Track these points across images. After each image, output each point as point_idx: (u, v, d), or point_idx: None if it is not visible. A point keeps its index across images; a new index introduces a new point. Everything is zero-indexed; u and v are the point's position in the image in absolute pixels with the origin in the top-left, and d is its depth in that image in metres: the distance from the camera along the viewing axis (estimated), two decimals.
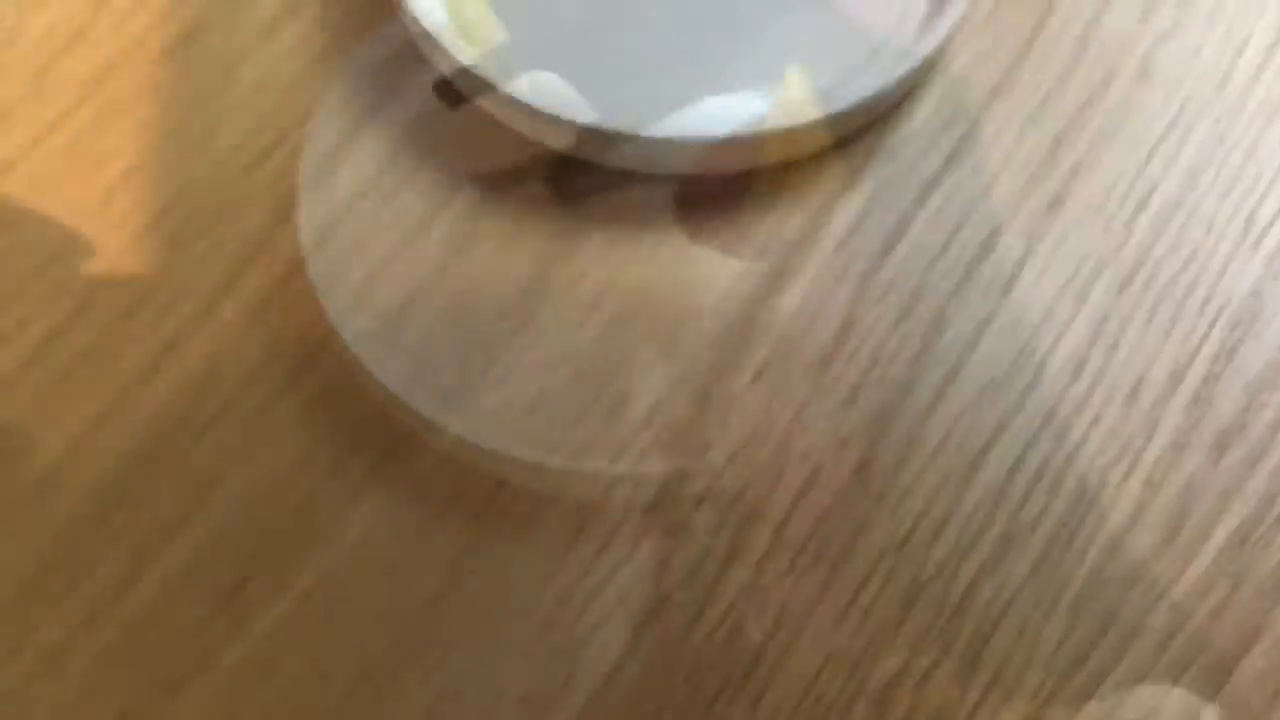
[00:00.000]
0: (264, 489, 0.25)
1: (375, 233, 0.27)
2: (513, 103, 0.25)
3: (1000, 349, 0.26)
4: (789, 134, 0.26)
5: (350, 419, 0.25)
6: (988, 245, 0.27)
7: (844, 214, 0.27)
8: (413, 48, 0.27)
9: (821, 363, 0.26)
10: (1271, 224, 0.27)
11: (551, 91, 0.26)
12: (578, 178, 0.27)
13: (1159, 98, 0.28)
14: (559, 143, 0.26)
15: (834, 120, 0.26)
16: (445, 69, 0.26)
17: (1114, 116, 0.28)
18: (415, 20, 0.26)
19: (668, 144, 0.25)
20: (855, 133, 0.27)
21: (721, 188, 0.27)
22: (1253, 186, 0.28)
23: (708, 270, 0.27)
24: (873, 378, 0.26)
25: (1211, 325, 0.27)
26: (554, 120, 0.25)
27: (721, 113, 0.26)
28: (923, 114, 0.28)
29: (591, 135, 0.25)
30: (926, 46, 0.27)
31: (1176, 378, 0.26)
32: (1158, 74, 0.28)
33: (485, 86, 0.26)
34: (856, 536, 0.25)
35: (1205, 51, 0.29)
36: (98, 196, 0.27)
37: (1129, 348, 0.26)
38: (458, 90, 0.26)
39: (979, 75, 0.28)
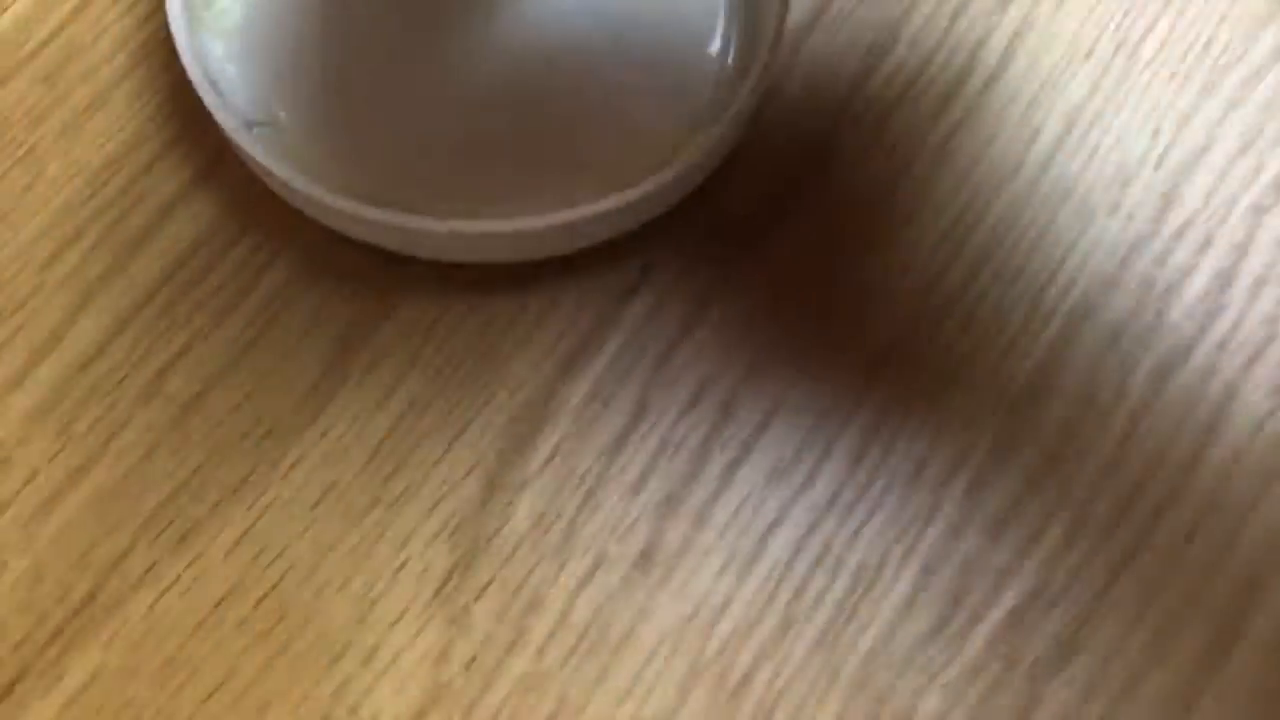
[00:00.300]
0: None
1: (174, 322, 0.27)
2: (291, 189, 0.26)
3: (787, 434, 0.27)
4: (579, 227, 0.26)
5: (139, 511, 0.26)
6: (781, 334, 0.28)
7: (639, 303, 0.28)
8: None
9: (612, 448, 0.27)
10: (1054, 310, 0.28)
11: (340, 184, 0.26)
12: (380, 263, 0.28)
13: (951, 183, 0.29)
14: (358, 234, 0.26)
15: (625, 212, 0.27)
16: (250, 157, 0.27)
17: (910, 202, 0.29)
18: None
19: (456, 237, 0.26)
20: (648, 223, 0.28)
21: (519, 271, 0.28)
22: (1039, 271, 0.28)
23: (505, 354, 0.27)
24: (661, 463, 0.26)
25: (995, 408, 0.27)
26: (351, 216, 0.26)
27: (513, 204, 0.27)
28: (711, 212, 0.28)
29: (389, 231, 0.26)
30: (715, 149, 0.27)
31: (956, 464, 0.27)
32: (950, 163, 0.29)
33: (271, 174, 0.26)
34: (638, 621, 0.25)
35: (996, 141, 0.30)
36: None
37: (913, 430, 0.27)
38: None
39: (769, 181, 0.29)
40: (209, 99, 0.26)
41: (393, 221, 0.25)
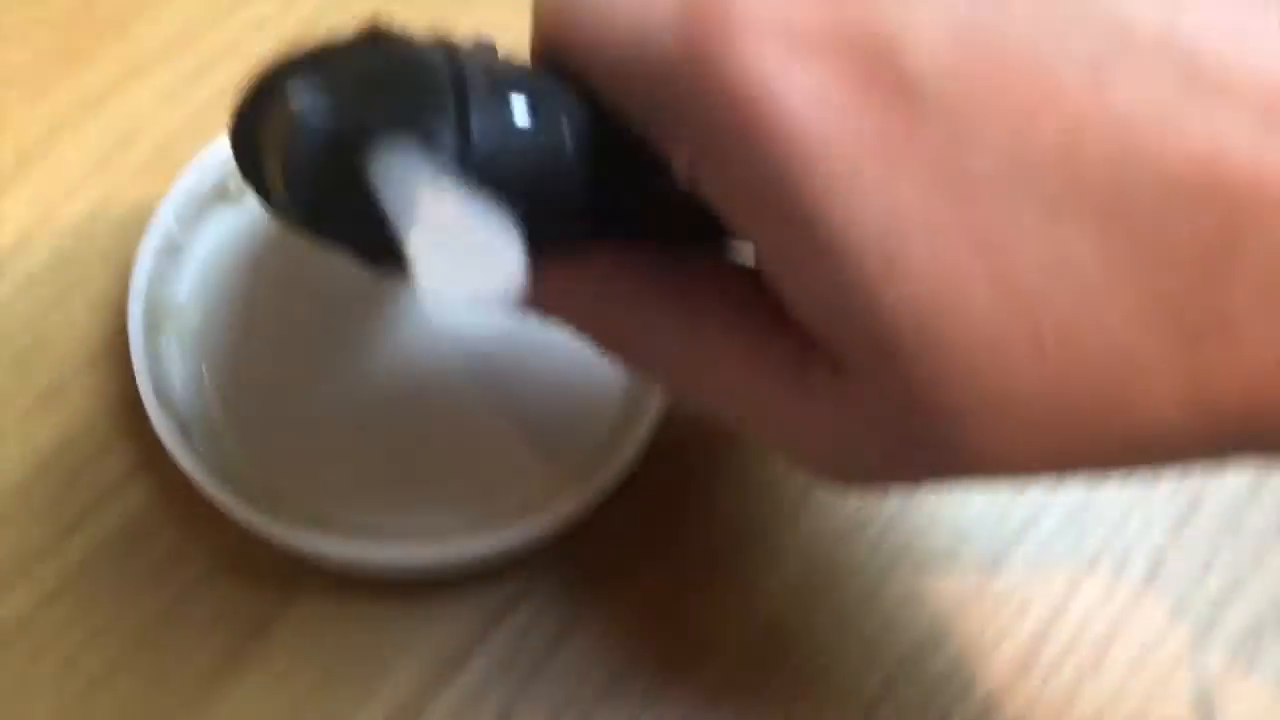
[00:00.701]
0: None
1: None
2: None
3: None
4: (454, 562, 0.30)
5: None
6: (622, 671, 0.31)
7: (511, 622, 0.31)
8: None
9: None
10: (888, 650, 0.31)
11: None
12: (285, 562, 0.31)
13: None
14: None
15: (499, 554, 0.30)
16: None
17: None
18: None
19: (332, 561, 0.29)
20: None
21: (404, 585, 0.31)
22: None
23: (387, 658, 0.30)
24: None
25: None
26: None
27: (400, 523, 0.30)
28: (590, 542, 0.32)
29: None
30: (595, 498, 0.30)
31: None
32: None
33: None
34: None
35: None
36: None
37: None
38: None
39: (649, 513, 0.32)
40: (149, 400, 0.30)
41: (285, 538, 0.29)
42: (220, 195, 0.33)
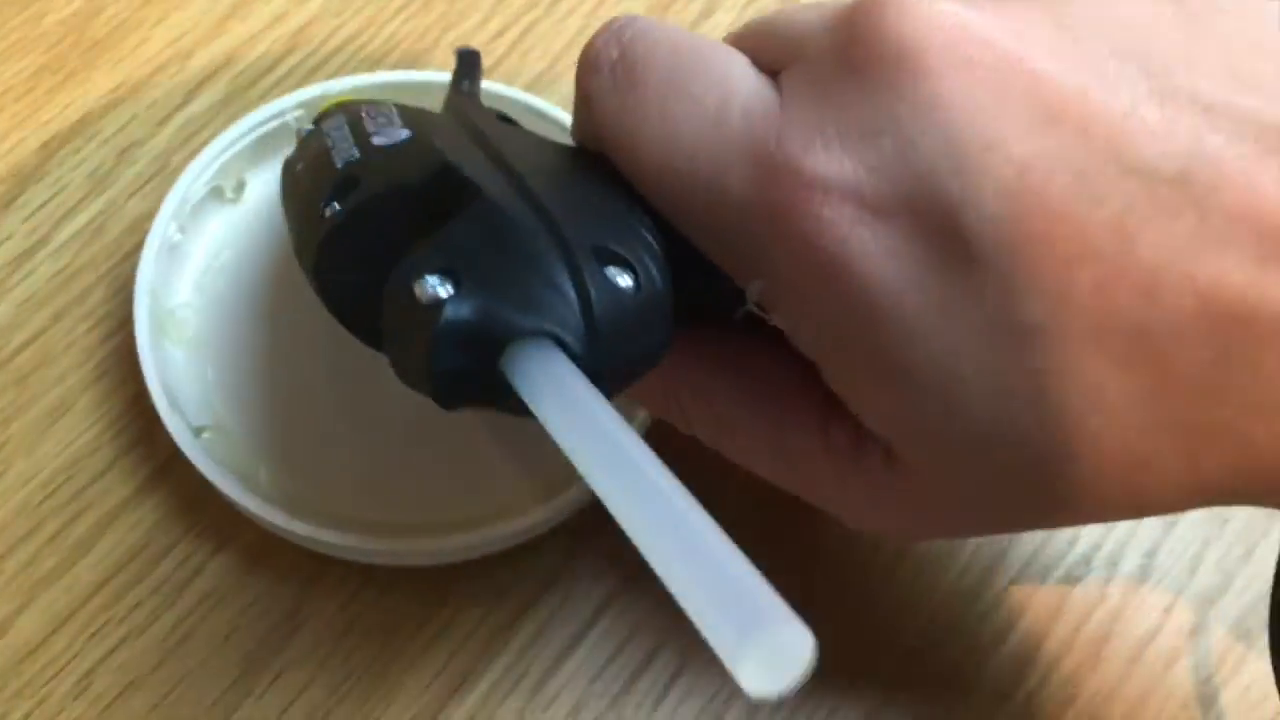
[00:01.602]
0: None
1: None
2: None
3: None
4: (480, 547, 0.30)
5: None
6: (646, 661, 0.31)
7: (527, 627, 0.31)
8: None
9: None
10: (895, 643, 0.32)
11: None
12: (302, 572, 0.31)
13: None
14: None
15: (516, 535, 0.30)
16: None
17: None
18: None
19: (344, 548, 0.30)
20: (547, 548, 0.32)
21: (421, 589, 0.31)
22: None
23: (398, 673, 0.31)
24: None
25: None
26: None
27: (411, 520, 0.31)
28: (599, 543, 0.32)
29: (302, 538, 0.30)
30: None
31: None
32: None
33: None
34: None
35: None
36: None
37: None
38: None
39: None
40: (160, 404, 0.30)
41: (300, 532, 0.29)
42: (217, 196, 0.34)
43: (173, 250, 0.33)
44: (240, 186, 0.34)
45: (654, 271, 0.23)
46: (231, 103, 0.37)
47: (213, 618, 0.31)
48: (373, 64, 0.37)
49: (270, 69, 0.37)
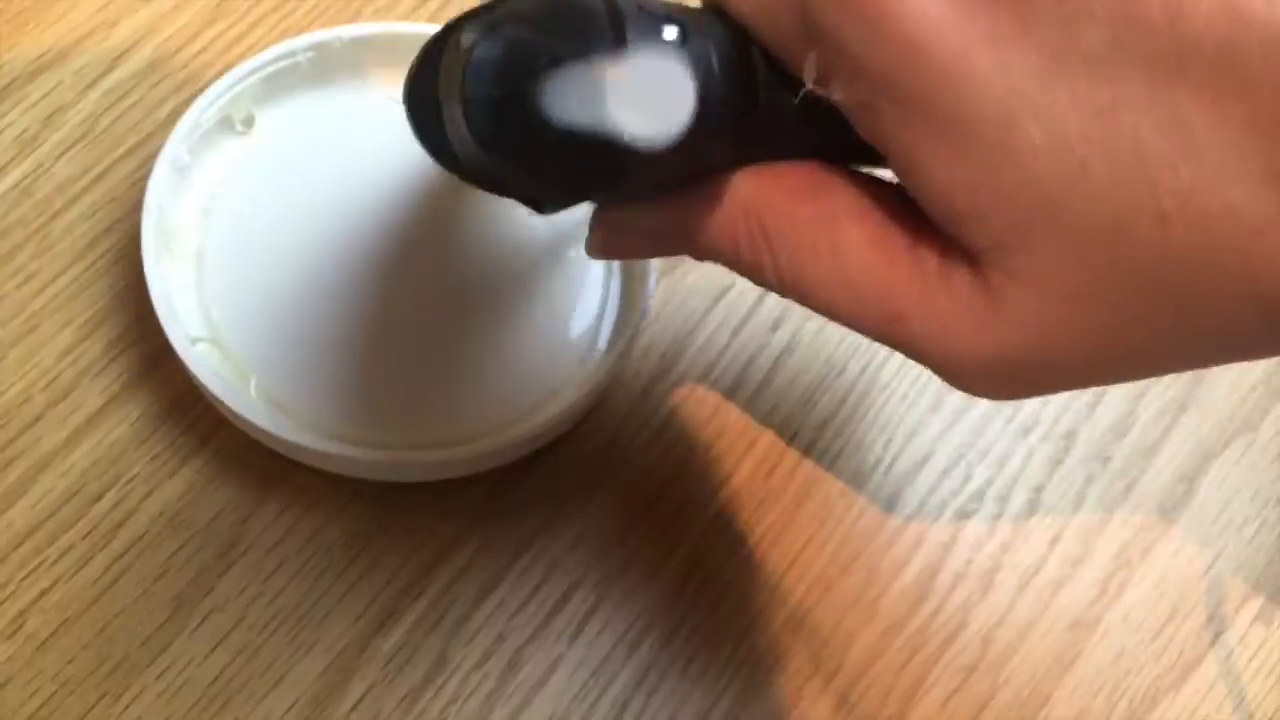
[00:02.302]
0: None
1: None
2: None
3: (563, 688, 0.32)
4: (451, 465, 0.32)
5: None
6: (564, 598, 0.33)
7: (448, 565, 0.33)
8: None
9: (412, 696, 0.31)
10: (794, 589, 0.34)
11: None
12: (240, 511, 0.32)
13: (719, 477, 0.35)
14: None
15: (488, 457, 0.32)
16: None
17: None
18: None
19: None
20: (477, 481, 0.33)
21: (354, 523, 0.33)
22: (782, 556, 0.34)
23: (326, 609, 0.32)
24: (452, 711, 0.31)
25: (735, 674, 0.33)
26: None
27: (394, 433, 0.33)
28: (538, 475, 0.34)
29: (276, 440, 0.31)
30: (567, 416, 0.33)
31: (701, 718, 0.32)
32: (718, 464, 0.35)
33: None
34: None
35: (759, 442, 0.36)
36: None
37: (667, 691, 0.32)
38: None
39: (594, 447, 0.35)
40: (161, 310, 0.32)
41: (277, 434, 0.31)
42: (226, 127, 0.35)
43: (181, 171, 0.34)
44: (249, 120, 0.36)
45: (710, 50, 0.22)
46: (156, 69, 0.37)
47: (144, 560, 0.32)
48: (298, 32, 0.39)
49: (193, 38, 0.38)
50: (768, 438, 0.36)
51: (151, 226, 0.33)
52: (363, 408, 0.33)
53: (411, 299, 0.34)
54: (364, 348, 0.34)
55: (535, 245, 0.36)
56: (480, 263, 0.35)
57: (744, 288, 0.37)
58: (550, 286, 0.35)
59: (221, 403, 0.31)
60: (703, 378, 0.36)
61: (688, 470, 0.35)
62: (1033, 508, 0.36)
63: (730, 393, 0.36)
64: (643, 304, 0.34)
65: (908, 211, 0.22)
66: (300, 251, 0.34)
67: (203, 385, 0.31)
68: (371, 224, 0.35)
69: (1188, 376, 0.38)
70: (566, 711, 0.32)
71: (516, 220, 0.35)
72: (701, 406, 0.36)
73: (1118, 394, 0.38)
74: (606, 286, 0.35)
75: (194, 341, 0.32)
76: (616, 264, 0.36)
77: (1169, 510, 0.36)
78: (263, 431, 0.31)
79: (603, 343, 0.35)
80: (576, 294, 0.35)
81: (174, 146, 0.34)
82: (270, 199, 0.35)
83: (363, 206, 0.35)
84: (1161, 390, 0.38)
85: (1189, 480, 0.37)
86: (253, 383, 0.33)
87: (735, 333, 0.37)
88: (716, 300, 0.37)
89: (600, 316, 0.35)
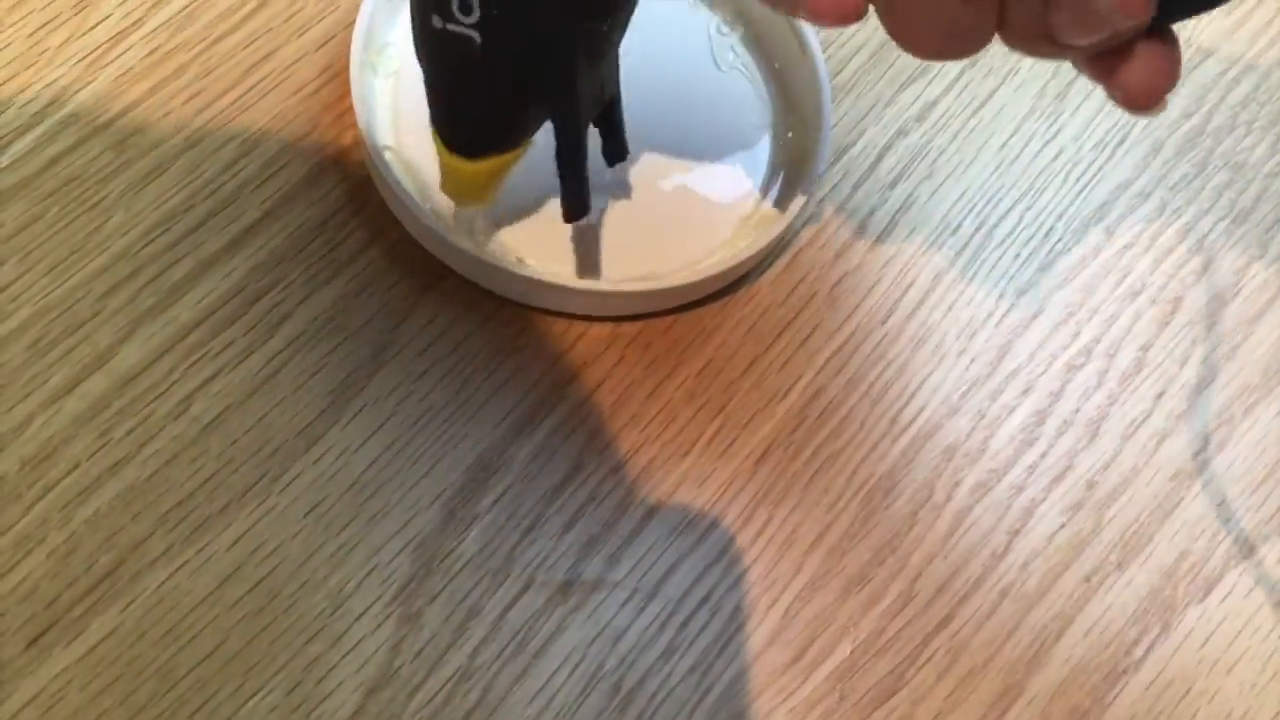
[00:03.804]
0: None
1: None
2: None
3: (690, 500, 0.33)
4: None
5: (160, 506, 0.31)
6: (693, 418, 0.35)
7: (580, 383, 0.34)
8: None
9: (550, 495, 0.33)
10: (907, 427, 0.35)
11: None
12: (390, 319, 0.34)
13: (840, 317, 0.36)
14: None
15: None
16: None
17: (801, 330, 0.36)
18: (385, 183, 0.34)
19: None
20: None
21: (498, 336, 0.34)
22: (898, 395, 0.36)
23: (472, 410, 0.34)
24: (587, 511, 0.33)
25: (854, 495, 0.34)
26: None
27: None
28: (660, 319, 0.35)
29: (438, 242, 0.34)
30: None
31: (820, 535, 0.33)
32: (841, 302, 0.37)
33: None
34: (554, 636, 0.31)
35: (878, 287, 0.37)
36: None
37: (790, 506, 0.34)
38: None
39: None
40: (361, 120, 0.34)
41: (440, 234, 0.33)
42: None
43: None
44: None
45: None
46: None
47: (300, 357, 0.33)
48: None
49: None
50: (884, 284, 0.37)
51: (360, 43, 0.35)
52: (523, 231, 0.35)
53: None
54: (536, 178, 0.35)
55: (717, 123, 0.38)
56: (667, 122, 0.37)
57: (865, 145, 0.39)
58: (734, 172, 0.37)
59: (402, 204, 0.33)
60: (825, 227, 0.38)
61: (809, 309, 0.37)
62: (1139, 365, 0.37)
63: (850, 243, 0.37)
64: (811, 179, 0.36)
65: None
66: None
67: (389, 186, 0.33)
68: None
69: None
70: (695, 517, 0.33)
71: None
72: (824, 252, 0.37)
73: (1224, 265, 0.39)
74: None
75: (383, 148, 0.34)
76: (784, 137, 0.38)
77: (1271, 374, 0.38)
78: (431, 233, 0.33)
79: (768, 205, 0.37)
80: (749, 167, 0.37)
81: None
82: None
83: None
84: (1266, 264, 0.39)
85: None
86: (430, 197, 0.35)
87: (856, 186, 0.38)
88: (839, 156, 0.39)
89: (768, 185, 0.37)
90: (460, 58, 0.28)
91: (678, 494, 0.34)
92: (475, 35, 0.28)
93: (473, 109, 0.30)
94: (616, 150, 0.34)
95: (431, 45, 0.29)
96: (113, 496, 0.31)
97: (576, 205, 0.32)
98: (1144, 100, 0.25)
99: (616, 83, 0.32)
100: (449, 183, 0.33)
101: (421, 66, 0.30)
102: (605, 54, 0.30)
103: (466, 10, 0.27)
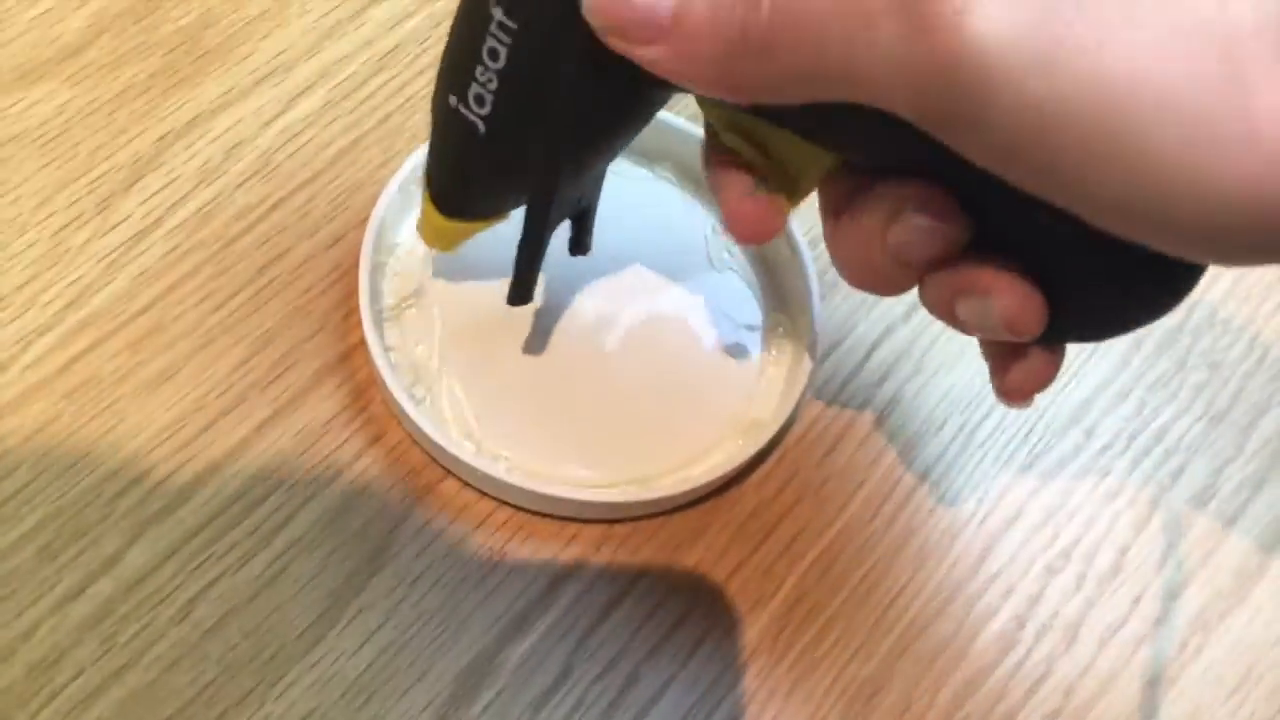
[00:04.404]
0: None
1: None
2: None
3: (678, 702, 0.34)
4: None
5: (160, 714, 0.32)
6: (678, 623, 0.36)
7: (571, 586, 0.35)
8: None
9: (537, 703, 0.34)
10: (892, 626, 0.36)
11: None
12: (386, 522, 0.35)
13: (827, 516, 0.38)
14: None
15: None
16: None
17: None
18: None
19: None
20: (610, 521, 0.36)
21: (490, 542, 0.35)
22: (884, 595, 0.37)
23: (465, 614, 0.34)
24: (575, 718, 0.34)
25: (835, 701, 0.35)
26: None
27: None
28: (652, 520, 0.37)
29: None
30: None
31: None
32: (829, 501, 0.38)
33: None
34: None
35: (864, 488, 0.38)
36: None
37: (773, 713, 0.35)
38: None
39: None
40: (364, 296, 0.36)
41: (437, 440, 0.35)
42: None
43: (405, 191, 0.38)
44: None
45: None
46: (327, 111, 0.41)
47: (301, 560, 0.34)
48: None
49: (361, 84, 0.42)
50: (870, 484, 0.38)
51: (371, 241, 0.37)
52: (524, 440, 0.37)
53: (594, 352, 0.38)
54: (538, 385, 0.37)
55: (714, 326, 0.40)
56: (660, 340, 0.39)
57: (852, 343, 0.40)
58: (725, 372, 0.39)
59: (402, 408, 0.35)
60: (813, 424, 0.39)
61: (797, 510, 0.38)
62: (1117, 568, 0.38)
63: (837, 442, 0.39)
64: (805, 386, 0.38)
65: None
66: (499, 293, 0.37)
67: (389, 389, 0.35)
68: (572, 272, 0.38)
69: (1267, 454, 0.41)
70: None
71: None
72: (811, 451, 0.38)
73: (1200, 466, 0.40)
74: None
75: (388, 350, 0.36)
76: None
77: (1244, 578, 0.39)
78: (426, 437, 0.35)
79: (762, 414, 0.38)
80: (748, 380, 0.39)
81: (409, 166, 0.38)
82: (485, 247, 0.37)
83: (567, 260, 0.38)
84: (1241, 465, 0.40)
85: (1265, 551, 0.39)
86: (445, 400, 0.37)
87: (845, 383, 0.40)
88: (829, 352, 0.40)
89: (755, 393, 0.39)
90: (462, 137, 0.30)
91: (664, 699, 0.35)
92: (481, 126, 0.30)
93: (460, 180, 0.33)
94: (581, 246, 0.36)
95: (441, 116, 0.31)
96: (115, 703, 0.32)
97: (521, 294, 0.34)
98: (1016, 396, 0.29)
99: (597, 193, 0.35)
100: (424, 227, 0.35)
101: (431, 118, 0.32)
102: (593, 168, 0.33)
103: (480, 103, 0.29)
